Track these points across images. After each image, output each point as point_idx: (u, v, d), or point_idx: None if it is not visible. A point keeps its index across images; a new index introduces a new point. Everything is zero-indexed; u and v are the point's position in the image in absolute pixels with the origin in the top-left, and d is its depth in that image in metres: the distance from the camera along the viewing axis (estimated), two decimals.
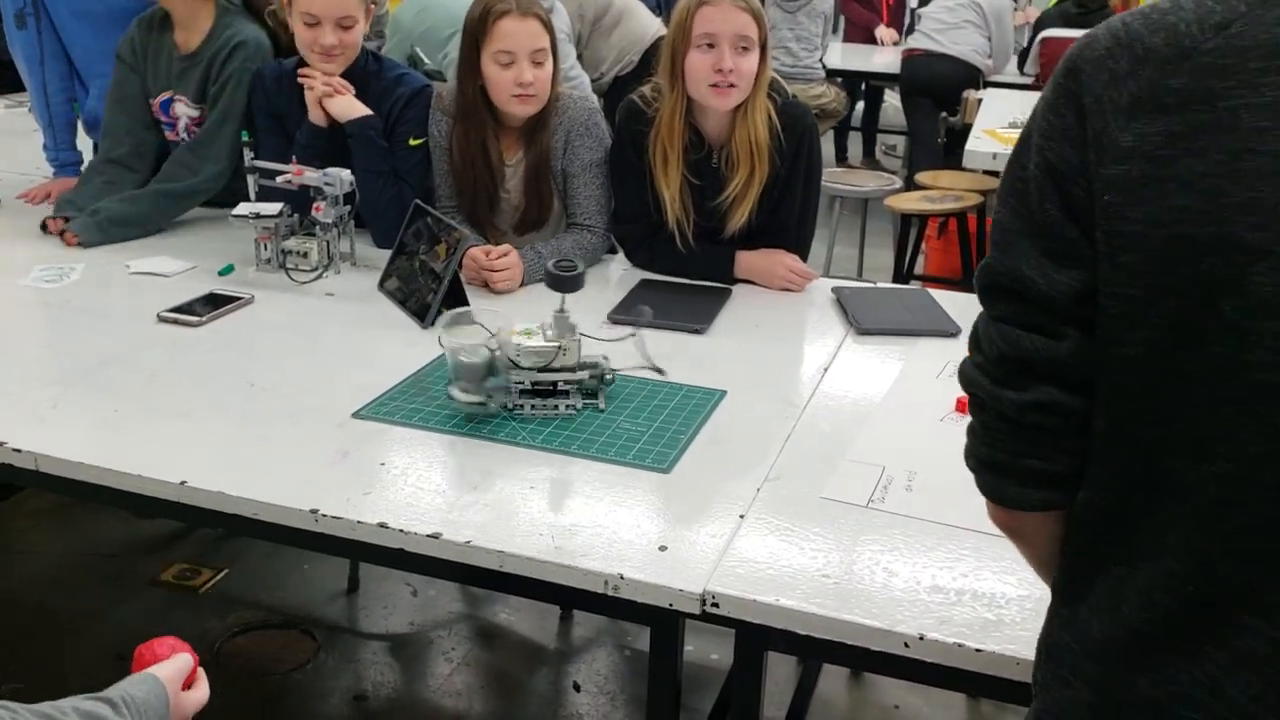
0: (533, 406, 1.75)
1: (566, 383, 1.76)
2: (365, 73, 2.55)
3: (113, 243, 2.57)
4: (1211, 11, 0.79)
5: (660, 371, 1.90)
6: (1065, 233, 0.87)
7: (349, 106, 2.49)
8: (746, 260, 2.38)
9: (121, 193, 2.69)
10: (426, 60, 4.60)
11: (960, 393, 1.84)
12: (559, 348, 1.74)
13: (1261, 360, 0.76)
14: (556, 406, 1.75)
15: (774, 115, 2.31)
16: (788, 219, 2.39)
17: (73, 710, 1.03)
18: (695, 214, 2.36)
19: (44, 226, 2.64)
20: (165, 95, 2.73)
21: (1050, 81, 0.90)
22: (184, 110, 2.72)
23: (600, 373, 1.79)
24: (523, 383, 1.75)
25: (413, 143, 2.53)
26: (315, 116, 2.51)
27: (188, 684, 1.22)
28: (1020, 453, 0.93)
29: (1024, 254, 0.89)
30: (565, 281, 1.77)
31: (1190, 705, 0.84)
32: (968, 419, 1.81)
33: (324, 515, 1.47)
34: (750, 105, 2.27)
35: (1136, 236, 0.82)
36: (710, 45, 2.21)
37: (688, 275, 2.40)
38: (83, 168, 3.07)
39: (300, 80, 2.50)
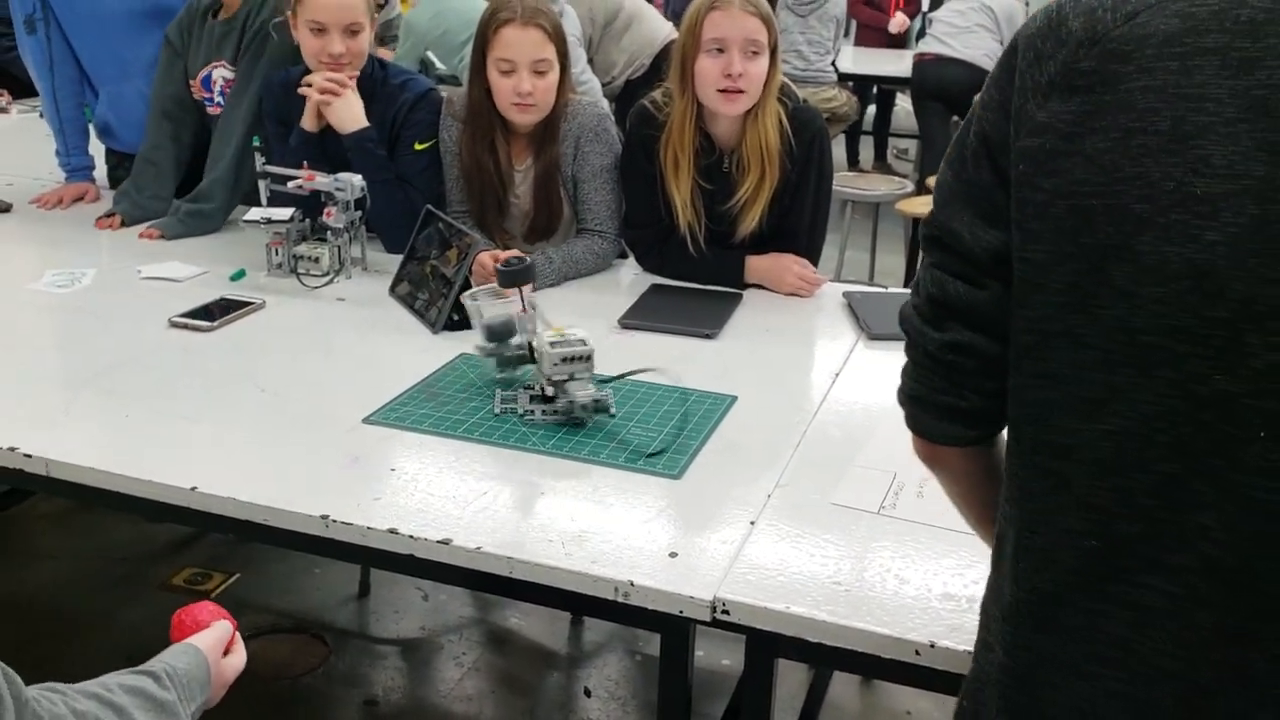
0: (543, 412, 1.75)
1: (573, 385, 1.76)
2: (372, 80, 2.55)
3: (193, 235, 2.69)
4: (1127, 0, 0.85)
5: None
6: (994, 197, 0.93)
7: (348, 117, 2.48)
8: (756, 265, 2.38)
9: (168, 182, 2.78)
10: (439, 65, 4.61)
11: None
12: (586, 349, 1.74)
13: (1146, 324, 0.81)
14: (570, 412, 1.74)
15: (785, 119, 2.30)
16: (798, 224, 2.39)
17: (118, 686, 1.05)
18: (706, 218, 2.36)
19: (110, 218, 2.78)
20: (205, 70, 2.75)
21: (1001, 54, 0.96)
22: (220, 74, 2.75)
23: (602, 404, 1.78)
24: (534, 388, 1.75)
25: (418, 147, 2.53)
26: (308, 122, 2.50)
27: (226, 650, 1.24)
28: (937, 388, 1.01)
29: (958, 213, 0.96)
30: (517, 274, 1.81)
31: (1099, 662, 0.87)
32: None
33: (334, 521, 1.47)
34: (760, 110, 2.27)
35: (1044, 205, 0.87)
36: (720, 50, 2.21)
37: (698, 280, 2.40)
38: (94, 172, 3.09)
39: (300, 91, 2.49)
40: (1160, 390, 0.81)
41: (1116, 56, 0.83)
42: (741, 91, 2.22)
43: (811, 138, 2.34)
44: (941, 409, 1.01)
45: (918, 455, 1.08)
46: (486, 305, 1.89)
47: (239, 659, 1.25)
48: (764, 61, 2.23)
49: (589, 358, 1.75)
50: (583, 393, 1.72)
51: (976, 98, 0.97)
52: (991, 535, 1.05)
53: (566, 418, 1.73)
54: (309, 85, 2.47)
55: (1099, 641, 0.87)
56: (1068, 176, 0.85)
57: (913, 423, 1.05)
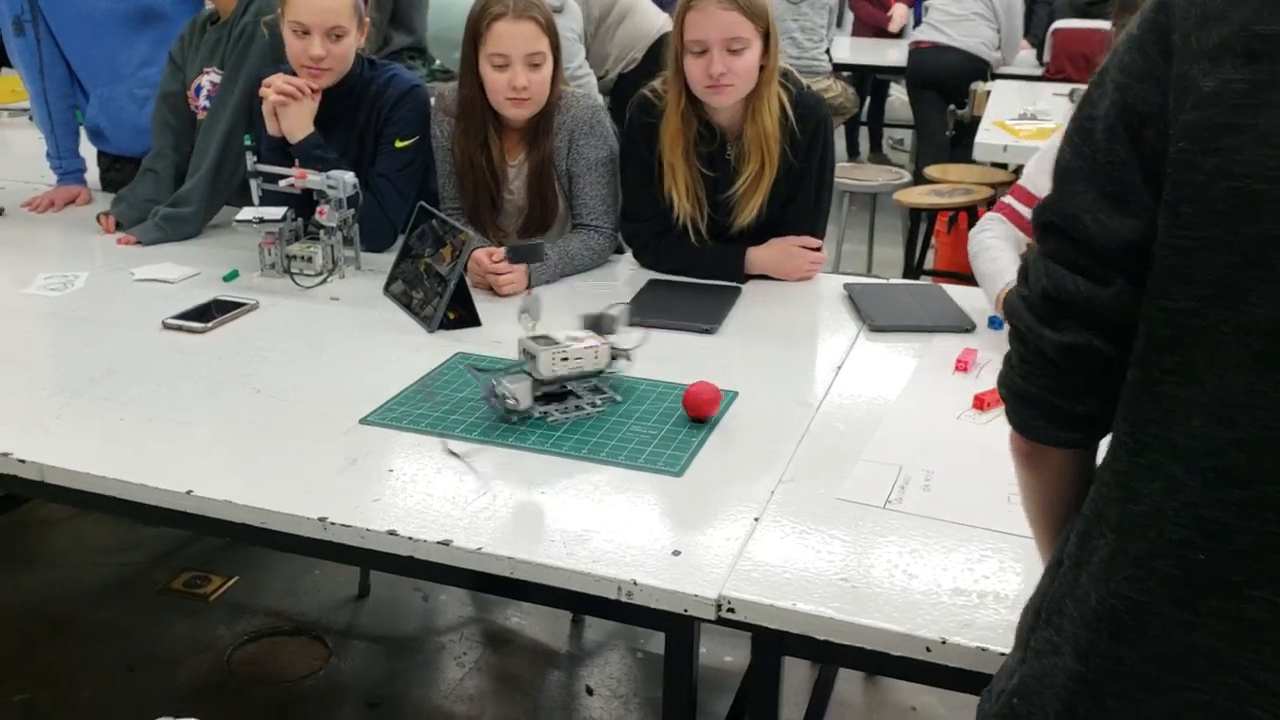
0: (562, 410, 1.72)
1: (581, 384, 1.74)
2: (360, 79, 2.52)
3: (170, 241, 2.63)
4: None
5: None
6: (1128, 178, 0.84)
7: (296, 125, 2.44)
8: (759, 256, 2.35)
9: (166, 190, 2.72)
10: (438, 60, 4.58)
11: (978, 390, 1.83)
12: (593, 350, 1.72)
13: None
14: (581, 407, 1.72)
15: (788, 107, 2.28)
16: (801, 212, 2.36)
17: None
18: (707, 207, 2.34)
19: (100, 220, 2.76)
20: (197, 79, 2.73)
21: (1138, 16, 0.86)
22: (209, 80, 2.72)
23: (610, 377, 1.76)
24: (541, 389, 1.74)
25: (399, 144, 2.51)
26: (271, 128, 2.47)
27: None
28: (1050, 390, 0.94)
29: (1080, 195, 0.87)
30: (526, 252, 1.77)
31: (1184, 674, 0.82)
32: (985, 416, 1.80)
33: (332, 523, 1.44)
34: (758, 97, 2.25)
35: (1202, 187, 0.79)
36: (702, 50, 2.18)
37: (697, 274, 2.37)
38: (86, 175, 3.07)
39: (260, 93, 2.46)
40: None
41: None
42: (729, 85, 2.20)
43: (815, 125, 2.32)
44: (1050, 410, 0.95)
45: (1013, 450, 1.02)
46: (521, 390, 1.71)
47: None
48: (751, 54, 2.20)
49: (596, 372, 1.72)
50: (585, 389, 1.70)
51: (1104, 64, 0.88)
52: (1051, 538, 1.02)
53: (567, 417, 1.71)
54: (268, 88, 2.44)
55: (1187, 654, 0.82)
56: (1234, 156, 0.76)
57: (1016, 420, 0.99)
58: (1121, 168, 0.84)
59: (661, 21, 4.90)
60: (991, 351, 1.98)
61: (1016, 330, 0.96)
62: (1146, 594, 0.84)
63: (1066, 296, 0.89)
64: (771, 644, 1.35)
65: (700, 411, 1.70)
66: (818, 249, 2.39)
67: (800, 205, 2.35)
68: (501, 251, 2.29)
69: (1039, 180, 2.19)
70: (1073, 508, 0.98)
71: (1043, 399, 0.94)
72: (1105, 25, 5.07)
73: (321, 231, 2.36)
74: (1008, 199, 2.23)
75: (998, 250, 2.13)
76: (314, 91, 2.44)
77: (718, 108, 2.27)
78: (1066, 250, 0.89)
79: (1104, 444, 0.97)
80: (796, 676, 2.40)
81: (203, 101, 2.74)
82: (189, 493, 1.51)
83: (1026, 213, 2.20)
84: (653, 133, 2.33)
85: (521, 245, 1.79)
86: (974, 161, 4.31)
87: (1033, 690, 0.93)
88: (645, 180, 2.37)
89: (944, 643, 1.22)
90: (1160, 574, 0.83)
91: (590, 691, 2.55)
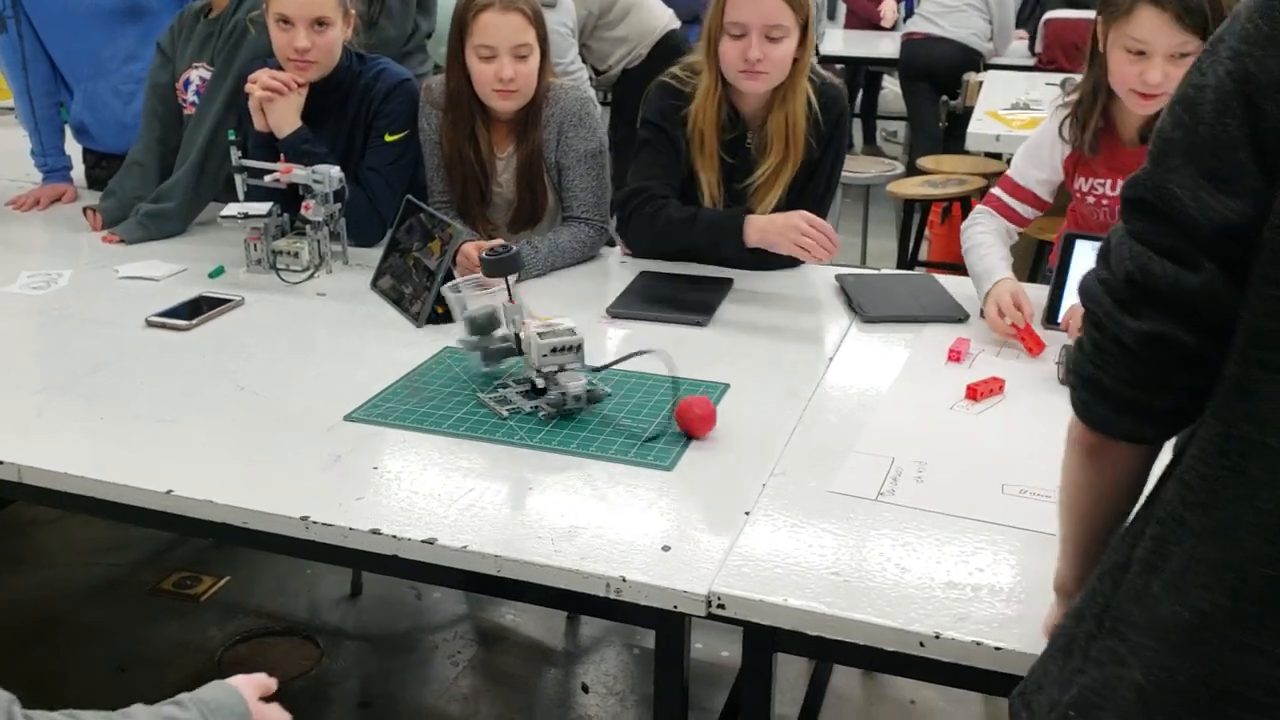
0: (533, 406, 1.70)
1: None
2: (350, 74, 2.50)
3: (154, 239, 2.59)
4: None
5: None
6: (1235, 155, 0.78)
7: (283, 119, 2.41)
8: (758, 220, 2.21)
9: (152, 184, 2.68)
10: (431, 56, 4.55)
11: (970, 380, 1.81)
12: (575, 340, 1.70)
13: None
14: (563, 402, 1.69)
15: (813, 97, 2.26)
16: (811, 200, 2.31)
17: (144, 711, 1.07)
18: (725, 195, 2.31)
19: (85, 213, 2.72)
20: (185, 73, 2.70)
21: None
22: (198, 75, 2.70)
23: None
24: (526, 384, 1.72)
25: (388, 138, 2.48)
26: (258, 123, 2.44)
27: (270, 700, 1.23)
28: (1125, 380, 0.88)
29: (1178, 170, 0.80)
30: (503, 264, 1.75)
31: (1249, 707, 0.77)
32: (978, 406, 1.78)
33: (315, 522, 1.42)
34: (790, 90, 2.22)
35: None
36: (740, 34, 2.15)
37: (695, 246, 2.31)
38: (71, 172, 3.04)
39: (246, 89, 2.43)
40: None
41: None
42: (763, 73, 2.17)
43: (838, 115, 2.31)
44: (1124, 402, 0.88)
45: (1074, 443, 0.96)
46: (469, 297, 1.84)
47: (280, 714, 1.24)
48: (789, 43, 2.17)
49: (579, 347, 1.71)
50: (574, 383, 1.68)
51: (1219, 32, 0.82)
52: (1091, 537, 0.98)
53: (558, 410, 1.69)
54: (253, 83, 2.41)
55: (1242, 678, 0.77)
56: None
57: (1084, 410, 0.92)
58: (1229, 143, 0.78)
59: (667, 18, 4.87)
60: (984, 342, 1.96)
61: (1092, 315, 0.90)
62: (1215, 608, 0.79)
63: (1152, 281, 0.83)
64: (763, 640, 1.33)
65: (692, 430, 1.63)
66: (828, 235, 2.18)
67: (810, 193, 2.32)
68: (489, 244, 2.26)
69: (1026, 170, 2.18)
70: (1123, 507, 0.94)
71: (1116, 390, 0.88)
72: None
73: (308, 227, 2.33)
74: (996, 191, 2.21)
75: (987, 248, 2.11)
76: (300, 86, 2.42)
77: (746, 93, 2.25)
78: (1157, 230, 0.83)
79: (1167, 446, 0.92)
80: (793, 670, 2.38)
81: (191, 97, 2.71)
82: (169, 492, 1.49)
83: (1015, 204, 2.18)
84: (676, 114, 2.30)
85: (498, 257, 1.75)
86: (967, 152, 4.29)
87: (1093, 704, 0.87)
88: (666, 159, 2.31)
89: (938, 637, 1.20)
90: (1231, 588, 0.78)
91: (586, 689, 2.53)
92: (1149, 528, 0.87)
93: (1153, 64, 1.87)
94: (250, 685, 1.19)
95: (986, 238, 2.13)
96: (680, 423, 1.63)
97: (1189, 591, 0.81)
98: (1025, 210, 2.19)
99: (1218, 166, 0.78)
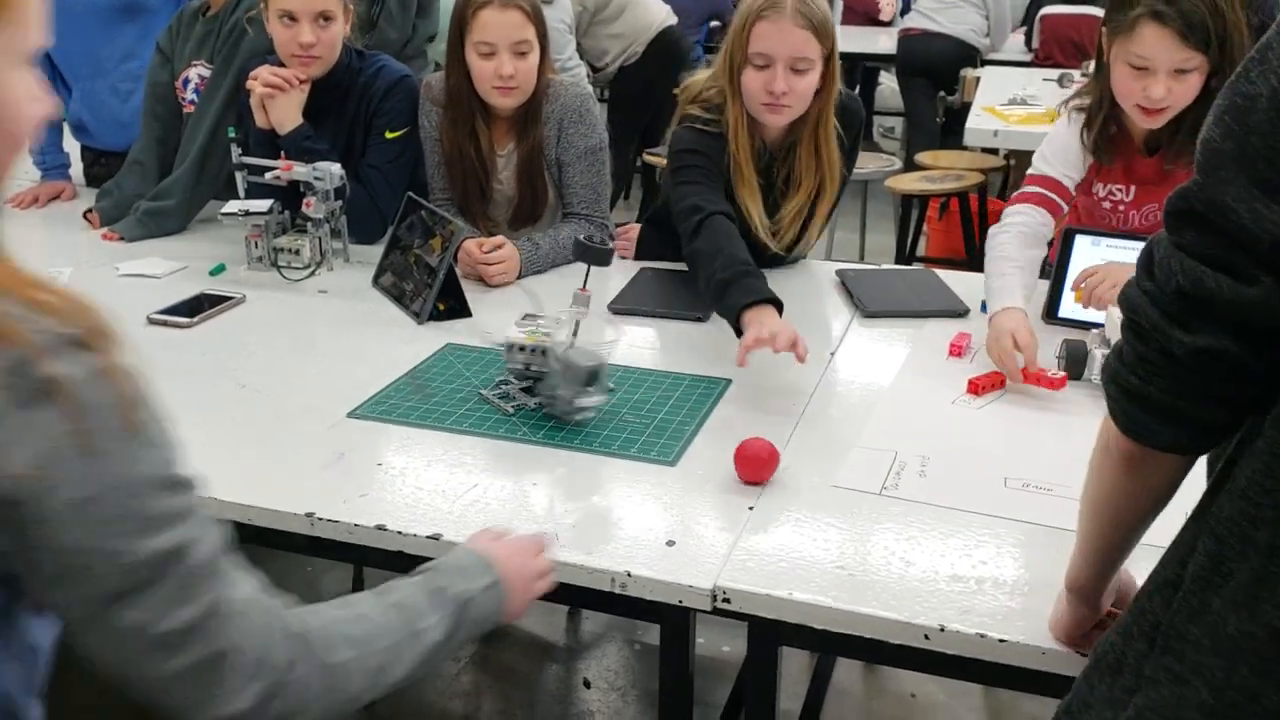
0: (568, 399, 1.64)
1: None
2: (349, 70, 2.50)
3: (153, 237, 2.59)
4: None
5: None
6: None
7: (285, 116, 2.41)
8: (758, 314, 1.85)
9: (152, 183, 2.67)
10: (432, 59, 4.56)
11: (972, 374, 1.81)
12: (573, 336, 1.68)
13: None
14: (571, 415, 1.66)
15: (835, 123, 2.17)
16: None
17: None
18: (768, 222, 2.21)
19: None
20: (184, 71, 2.70)
21: None
22: (197, 73, 2.69)
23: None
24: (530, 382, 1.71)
25: (389, 135, 2.48)
26: (259, 120, 2.43)
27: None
28: (1173, 392, 0.85)
29: (1231, 181, 0.78)
30: (598, 253, 1.69)
31: None
32: (979, 400, 1.78)
33: (320, 519, 1.42)
34: (818, 122, 2.13)
35: None
36: (765, 65, 2.06)
37: (694, 272, 2.07)
38: (70, 170, 3.04)
39: (247, 85, 2.43)
40: None
41: None
42: (786, 106, 2.09)
43: (857, 130, 2.26)
44: (1169, 413, 0.86)
45: (1110, 452, 0.94)
46: (578, 354, 1.66)
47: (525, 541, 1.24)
48: (813, 76, 2.07)
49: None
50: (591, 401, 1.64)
51: (1267, 38, 0.80)
52: (1118, 544, 0.97)
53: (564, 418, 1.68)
54: (254, 80, 2.40)
55: None
56: None
57: (1127, 421, 0.89)
58: None
59: (664, 15, 4.87)
60: (984, 337, 1.96)
61: (1135, 326, 0.87)
62: None
63: (1205, 295, 0.80)
64: (768, 634, 1.34)
65: (752, 477, 1.49)
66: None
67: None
68: (491, 241, 2.27)
69: (1058, 167, 2.07)
70: (1154, 513, 0.94)
71: (1163, 401, 0.86)
72: (1094, 11, 5.07)
73: (309, 224, 2.33)
74: (1031, 187, 2.08)
75: (1007, 262, 1.96)
76: (302, 82, 2.42)
77: (768, 126, 2.16)
78: (1208, 243, 0.80)
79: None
80: (795, 664, 2.39)
81: (190, 95, 2.71)
82: None
83: (1053, 196, 2.06)
84: (717, 153, 2.15)
85: (594, 246, 1.66)
86: (965, 148, 4.30)
87: None
88: (709, 175, 2.14)
89: (943, 630, 1.20)
90: None
91: (588, 684, 2.53)
92: (1202, 542, 0.85)
93: (1156, 80, 1.84)
94: (481, 538, 1.22)
95: (1010, 248, 1.98)
96: (740, 469, 1.50)
97: (1261, 609, 0.79)
98: (1063, 203, 2.07)
99: (1272, 177, 0.76)
